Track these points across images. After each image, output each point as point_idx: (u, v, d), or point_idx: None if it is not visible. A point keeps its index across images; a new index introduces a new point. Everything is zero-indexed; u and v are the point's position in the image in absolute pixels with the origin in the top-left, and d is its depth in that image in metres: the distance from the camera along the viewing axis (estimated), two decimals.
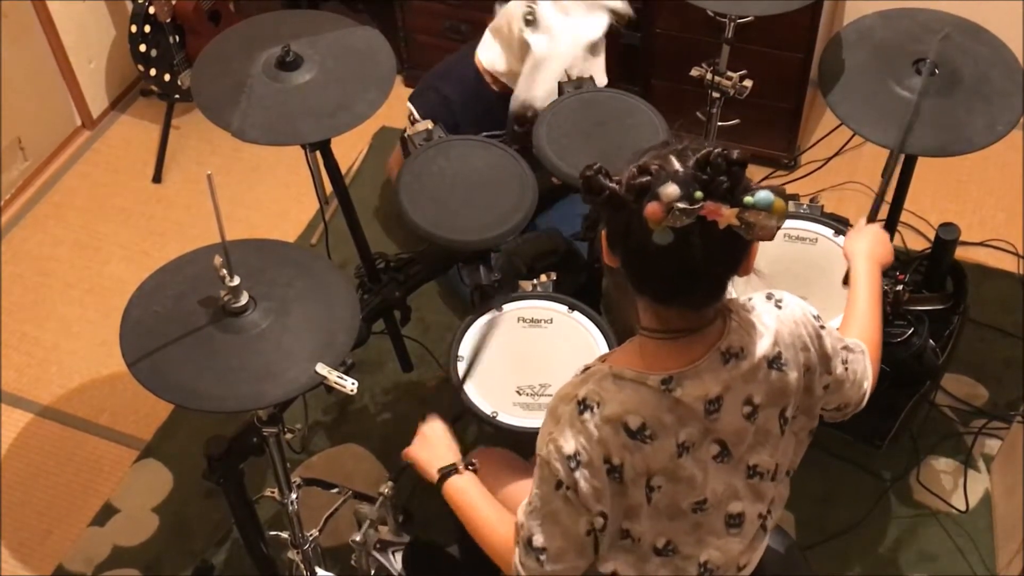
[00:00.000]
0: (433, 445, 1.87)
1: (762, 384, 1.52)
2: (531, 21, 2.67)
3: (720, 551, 1.61)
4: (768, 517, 1.65)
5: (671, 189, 1.32)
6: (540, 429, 1.56)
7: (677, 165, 1.37)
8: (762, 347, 1.51)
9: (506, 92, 2.80)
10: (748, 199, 1.33)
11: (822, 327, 1.59)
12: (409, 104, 2.82)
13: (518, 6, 2.70)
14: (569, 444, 1.49)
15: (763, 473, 1.58)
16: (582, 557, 1.55)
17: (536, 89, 2.68)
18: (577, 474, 1.49)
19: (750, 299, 1.56)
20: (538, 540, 1.54)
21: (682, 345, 1.48)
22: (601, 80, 2.70)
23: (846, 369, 1.64)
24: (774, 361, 1.52)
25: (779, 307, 1.56)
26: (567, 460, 1.49)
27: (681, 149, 1.39)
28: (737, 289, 1.51)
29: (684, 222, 1.32)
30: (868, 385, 1.69)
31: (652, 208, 1.32)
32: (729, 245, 1.39)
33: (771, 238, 1.36)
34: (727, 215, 1.33)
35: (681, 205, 1.31)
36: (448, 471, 1.79)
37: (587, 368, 1.55)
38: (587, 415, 1.48)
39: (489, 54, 2.83)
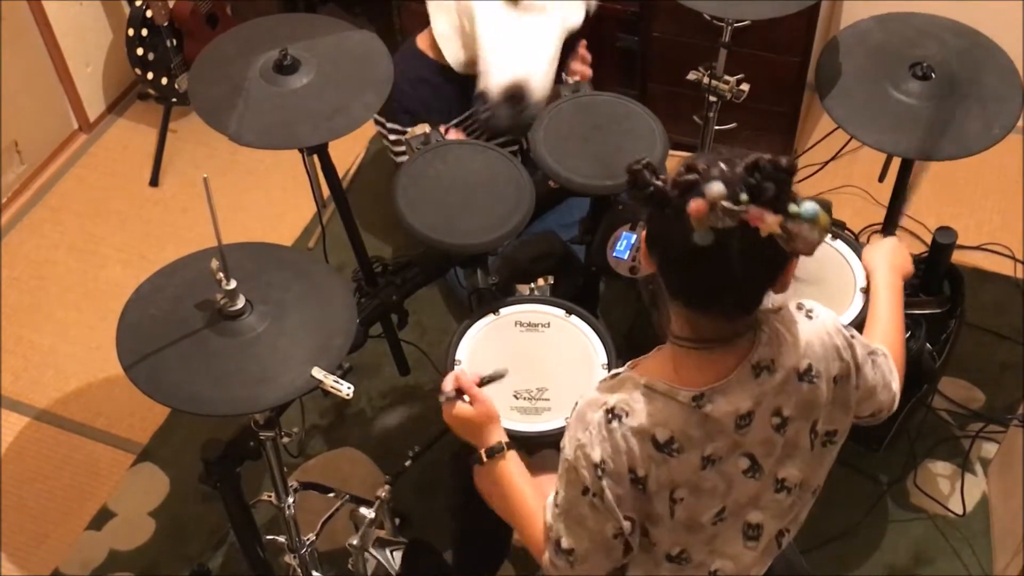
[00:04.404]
0: (491, 418, 1.74)
1: (792, 396, 1.51)
2: None
3: (733, 561, 1.61)
4: (786, 534, 1.65)
5: (717, 187, 1.30)
6: (566, 430, 1.55)
7: (724, 167, 1.36)
8: (792, 359, 1.50)
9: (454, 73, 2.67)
10: (794, 208, 1.32)
11: (852, 336, 1.59)
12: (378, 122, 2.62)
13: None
14: (596, 452, 1.49)
15: (791, 488, 1.58)
16: (609, 559, 1.56)
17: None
18: (603, 482, 1.49)
19: (780, 309, 1.55)
20: (566, 542, 1.55)
21: (714, 357, 1.47)
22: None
23: (876, 375, 1.64)
24: (805, 374, 1.51)
25: (810, 317, 1.56)
26: (594, 468, 1.49)
27: (728, 156, 1.38)
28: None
29: (727, 223, 1.31)
30: (896, 387, 1.69)
31: (696, 204, 1.31)
32: (768, 256, 1.38)
33: (810, 253, 1.35)
34: (770, 222, 1.31)
35: (725, 204, 1.30)
36: (501, 447, 1.71)
37: (617, 374, 1.54)
38: (615, 424, 1.48)
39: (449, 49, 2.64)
